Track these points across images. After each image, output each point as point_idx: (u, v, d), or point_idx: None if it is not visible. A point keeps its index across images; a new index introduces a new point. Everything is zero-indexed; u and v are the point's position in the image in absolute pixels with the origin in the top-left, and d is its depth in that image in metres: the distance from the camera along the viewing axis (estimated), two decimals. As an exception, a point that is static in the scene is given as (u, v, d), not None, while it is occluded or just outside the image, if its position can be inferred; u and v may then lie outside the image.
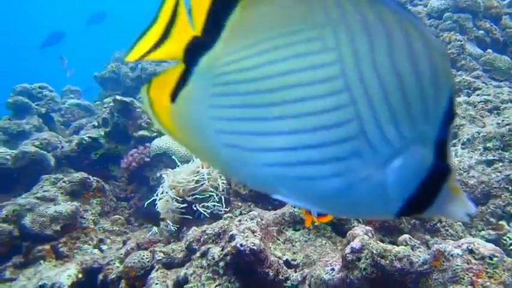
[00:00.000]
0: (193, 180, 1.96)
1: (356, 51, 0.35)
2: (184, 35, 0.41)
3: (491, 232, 1.76)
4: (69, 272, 1.94)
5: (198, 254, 1.54)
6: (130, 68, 5.08)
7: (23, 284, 1.95)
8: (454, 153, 2.10)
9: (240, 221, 1.54)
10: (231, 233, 1.45)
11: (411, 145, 0.36)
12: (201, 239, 1.61)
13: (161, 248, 1.79)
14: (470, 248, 1.17)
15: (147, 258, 1.77)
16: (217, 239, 1.58)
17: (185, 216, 1.96)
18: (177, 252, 1.71)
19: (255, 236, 1.45)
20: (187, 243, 1.67)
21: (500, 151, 1.99)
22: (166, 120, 0.42)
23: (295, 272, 1.49)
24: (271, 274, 1.41)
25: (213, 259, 1.45)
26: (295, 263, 1.53)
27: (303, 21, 0.36)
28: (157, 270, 1.66)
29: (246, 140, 0.39)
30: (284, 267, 1.48)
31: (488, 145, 2.03)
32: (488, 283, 1.08)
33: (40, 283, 1.88)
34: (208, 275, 1.44)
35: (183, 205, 1.95)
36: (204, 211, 1.90)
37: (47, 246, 2.13)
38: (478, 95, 2.58)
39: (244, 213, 1.81)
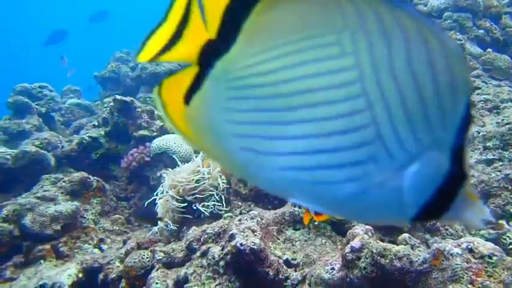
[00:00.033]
0: (193, 180, 1.96)
1: (374, 56, 0.35)
2: (199, 37, 0.41)
3: (491, 231, 1.76)
4: (70, 271, 1.95)
5: (198, 254, 1.54)
6: (131, 67, 5.08)
7: (24, 283, 1.95)
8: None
9: (240, 220, 1.54)
10: (231, 232, 1.45)
11: (428, 151, 0.35)
12: (201, 239, 1.61)
13: (161, 247, 1.79)
14: (469, 247, 1.17)
15: (147, 257, 1.77)
16: (217, 238, 1.58)
17: (185, 215, 1.96)
18: (177, 252, 1.71)
19: (255, 235, 1.45)
20: (187, 242, 1.67)
21: (500, 150, 1.99)
22: (181, 123, 0.42)
23: (295, 271, 1.49)
24: (271, 273, 1.42)
25: (213, 258, 1.45)
26: (295, 262, 1.54)
27: (321, 26, 0.36)
28: (157, 270, 1.66)
29: (261, 143, 0.39)
30: (284, 266, 1.48)
31: (488, 144, 2.03)
32: (487, 282, 1.09)
33: (40, 283, 1.89)
34: (208, 274, 1.44)
35: (183, 204, 1.95)
36: (205, 210, 1.90)
37: (48, 246, 2.13)
38: (478, 94, 2.58)
39: (245, 213, 1.82)
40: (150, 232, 2.05)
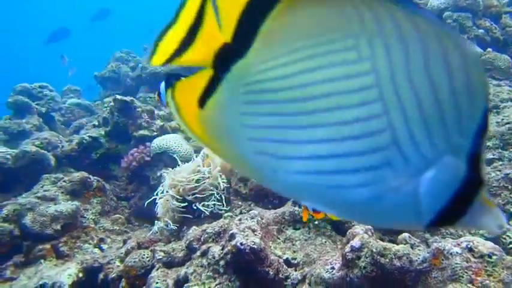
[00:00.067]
0: (193, 179, 1.96)
1: (391, 61, 0.35)
2: (213, 40, 0.40)
3: (491, 231, 1.76)
4: (70, 271, 1.95)
5: (198, 253, 1.54)
6: (131, 67, 5.08)
7: (24, 283, 1.95)
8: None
9: (240, 220, 1.54)
10: (231, 232, 1.46)
11: (444, 156, 0.35)
12: (202, 238, 1.61)
13: (161, 247, 1.79)
14: (469, 246, 1.18)
15: (147, 257, 1.77)
16: (217, 238, 1.58)
17: (185, 215, 1.96)
18: (178, 252, 1.71)
19: (255, 235, 1.45)
20: (187, 242, 1.67)
21: (499, 150, 2.00)
22: (195, 126, 0.42)
23: (296, 270, 1.49)
24: (272, 273, 1.42)
25: (214, 258, 1.45)
26: (296, 261, 1.54)
27: (338, 30, 0.36)
28: (157, 270, 1.66)
29: (277, 147, 0.39)
30: (284, 266, 1.48)
31: (487, 144, 2.03)
32: (487, 281, 1.09)
33: (41, 282, 1.89)
34: (208, 273, 1.45)
35: (184, 204, 1.96)
36: (205, 210, 1.91)
37: (48, 246, 2.14)
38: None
39: (245, 212, 1.82)
40: (151, 232, 2.05)
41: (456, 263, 1.15)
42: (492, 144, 2.02)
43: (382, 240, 1.33)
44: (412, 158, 0.35)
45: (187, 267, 1.54)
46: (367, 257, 1.24)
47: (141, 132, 2.95)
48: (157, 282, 1.57)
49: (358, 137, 0.36)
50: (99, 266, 1.97)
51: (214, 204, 1.93)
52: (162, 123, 3.11)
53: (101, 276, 1.92)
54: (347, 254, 1.27)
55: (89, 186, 2.51)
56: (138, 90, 4.65)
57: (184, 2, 0.41)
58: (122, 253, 1.94)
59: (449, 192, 0.36)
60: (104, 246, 2.26)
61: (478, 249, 1.16)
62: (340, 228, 1.64)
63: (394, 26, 0.35)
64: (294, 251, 1.58)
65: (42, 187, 2.43)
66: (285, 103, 0.38)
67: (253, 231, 1.47)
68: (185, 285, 1.46)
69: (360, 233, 1.31)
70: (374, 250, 1.24)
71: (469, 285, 1.10)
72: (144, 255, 1.78)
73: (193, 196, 1.95)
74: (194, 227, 1.73)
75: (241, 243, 1.40)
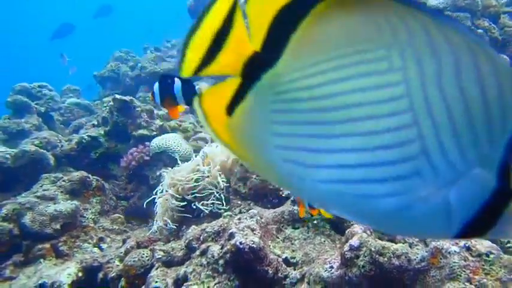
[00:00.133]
0: (192, 178, 1.97)
1: (422, 72, 0.35)
2: (242, 49, 0.41)
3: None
4: (69, 270, 1.95)
5: (197, 252, 1.55)
6: (130, 66, 5.08)
7: (23, 282, 1.96)
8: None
9: (239, 219, 1.55)
10: (230, 231, 1.46)
11: (474, 167, 0.35)
12: (201, 238, 1.62)
13: (161, 246, 1.79)
14: (467, 245, 1.18)
15: (147, 256, 1.78)
16: (216, 237, 1.58)
17: (185, 214, 1.96)
18: (177, 251, 1.72)
19: (255, 234, 1.46)
20: (186, 241, 1.68)
21: None
22: (223, 133, 0.42)
23: (295, 269, 1.49)
24: (271, 272, 1.42)
25: (213, 257, 1.46)
26: (295, 260, 1.54)
27: (370, 41, 0.36)
28: (157, 269, 1.67)
29: (305, 156, 0.39)
30: (283, 265, 1.49)
31: None
32: (484, 280, 1.09)
33: (40, 282, 1.89)
34: (207, 273, 1.45)
35: (183, 203, 1.96)
36: (205, 209, 1.91)
37: (47, 245, 2.14)
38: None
39: (244, 212, 1.82)
40: (150, 231, 2.05)
41: (454, 262, 1.15)
42: None
43: (381, 239, 1.34)
44: (442, 168, 0.35)
45: (186, 267, 1.55)
46: (365, 256, 1.24)
47: (141, 131, 2.95)
48: (156, 282, 1.58)
49: (388, 146, 0.36)
50: (98, 265, 1.98)
51: (213, 204, 1.93)
52: (161, 123, 3.11)
53: (100, 275, 1.92)
54: (346, 253, 1.28)
55: (89, 186, 2.52)
56: (137, 89, 4.65)
57: (210, 7, 0.41)
58: (121, 252, 1.95)
59: (478, 203, 0.35)
60: (104, 246, 2.27)
61: (475, 248, 1.17)
62: (339, 228, 1.65)
63: (426, 37, 0.35)
64: (293, 250, 1.59)
65: (41, 186, 2.43)
66: (315, 112, 0.38)
67: (253, 230, 1.47)
68: (184, 284, 1.47)
69: (359, 232, 1.31)
70: (373, 249, 1.24)
71: (466, 283, 1.11)
72: (143, 254, 1.78)
73: (193, 195, 1.96)
74: (193, 226, 1.73)
75: (240, 243, 1.40)
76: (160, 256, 1.71)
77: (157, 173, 2.55)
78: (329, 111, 0.37)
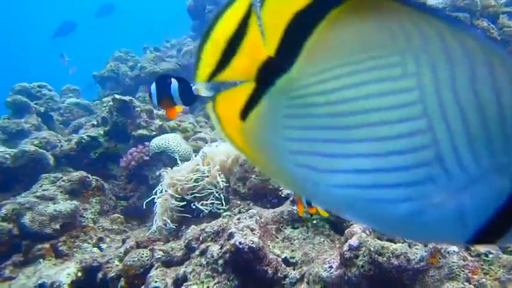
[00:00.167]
0: (191, 179, 1.97)
1: (437, 78, 0.35)
2: (257, 53, 0.41)
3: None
4: (69, 270, 1.95)
5: (197, 252, 1.55)
6: (130, 67, 5.08)
7: (23, 282, 1.96)
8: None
9: (239, 219, 1.55)
10: (230, 231, 1.46)
11: (488, 174, 0.35)
12: (200, 237, 1.62)
13: (160, 246, 1.79)
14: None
15: (146, 256, 1.78)
16: (216, 237, 1.59)
17: (184, 214, 1.96)
18: (176, 251, 1.72)
19: (254, 234, 1.46)
20: (186, 241, 1.68)
21: None
22: (236, 138, 0.42)
23: (294, 269, 1.50)
24: (270, 272, 1.42)
25: (212, 257, 1.46)
26: (294, 260, 1.54)
27: (383, 47, 0.36)
28: (156, 269, 1.67)
29: (319, 161, 0.39)
30: (283, 265, 1.49)
31: None
32: (483, 280, 1.10)
33: (40, 282, 1.89)
34: (207, 273, 1.45)
35: (182, 203, 1.96)
36: (205, 209, 1.91)
37: (47, 245, 2.14)
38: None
39: (243, 212, 1.82)
40: (150, 231, 2.05)
41: (453, 262, 1.16)
42: None
43: (380, 239, 1.34)
44: (456, 174, 0.35)
45: (186, 267, 1.55)
46: (365, 256, 1.25)
47: (140, 131, 2.95)
48: (156, 281, 1.58)
49: (402, 152, 0.36)
50: (98, 265, 1.98)
51: (212, 204, 1.93)
52: (161, 123, 3.11)
53: (99, 275, 1.92)
54: (345, 252, 1.28)
55: (88, 186, 2.52)
56: (137, 89, 4.65)
57: (224, 11, 0.41)
58: (121, 252, 1.95)
59: (491, 210, 0.35)
60: (103, 246, 2.27)
61: (474, 248, 1.17)
62: (338, 227, 1.65)
63: (441, 43, 0.35)
64: (293, 250, 1.59)
65: (41, 186, 2.43)
66: (329, 117, 0.38)
67: (252, 230, 1.48)
68: (184, 284, 1.47)
69: (358, 232, 1.31)
70: (372, 249, 1.24)
71: (465, 283, 1.11)
72: (143, 254, 1.78)
73: (192, 195, 1.96)
74: (193, 226, 1.73)
75: (239, 242, 1.40)
76: (159, 256, 1.71)
77: (157, 173, 2.55)
78: (344, 117, 0.37)
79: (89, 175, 2.54)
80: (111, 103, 3.03)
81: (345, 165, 0.38)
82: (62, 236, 2.20)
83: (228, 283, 1.41)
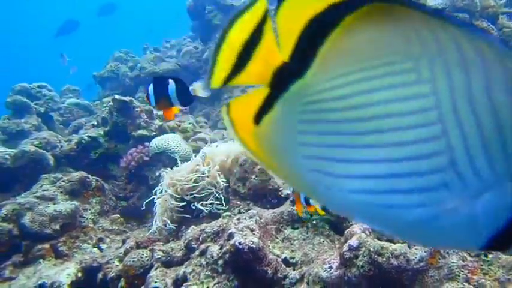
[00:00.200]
0: (191, 179, 1.97)
1: (452, 84, 0.35)
2: (272, 59, 0.41)
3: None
4: (69, 271, 1.95)
5: (197, 253, 1.55)
6: (129, 67, 5.09)
7: (23, 282, 1.96)
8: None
9: (238, 219, 1.55)
10: (229, 231, 1.46)
11: (503, 180, 0.35)
12: (200, 238, 1.62)
13: (160, 246, 1.80)
14: (466, 245, 1.18)
15: (146, 257, 1.78)
16: (216, 237, 1.59)
17: (184, 215, 1.97)
18: (176, 251, 1.72)
19: (254, 234, 1.46)
20: (186, 241, 1.68)
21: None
22: (250, 142, 0.42)
23: (294, 270, 1.50)
24: (270, 272, 1.42)
25: (212, 257, 1.46)
26: (294, 261, 1.55)
27: (398, 53, 0.37)
28: (156, 269, 1.67)
29: (332, 166, 0.39)
30: (282, 265, 1.49)
31: None
32: (483, 280, 1.10)
33: (39, 282, 1.90)
34: (207, 273, 1.45)
35: (182, 204, 1.96)
36: (204, 209, 1.91)
37: (47, 245, 2.14)
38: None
39: (243, 212, 1.83)
40: (150, 231, 2.05)
41: (453, 262, 1.16)
42: None
43: (380, 239, 1.34)
44: (470, 180, 0.35)
45: (186, 267, 1.55)
46: (364, 256, 1.25)
47: (140, 132, 2.95)
48: (156, 282, 1.58)
49: (416, 158, 0.36)
50: (98, 265, 1.98)
51: (212, 204, 1.93)
52: (160, 123, 3.11)
53: (99, 275, 1.92)
54: (345, 253, 1.28)
55: (88, 186, 2.52)
56: (137, 90, 4.65)
57: (240, 15, 0.41)
58: (120, 253, 1.95)
59: (506, 217, 0.35)
60: (103, 246, 2.27)
61: (474, 249, 1.17)
62: (338, 228, 1.65)
63: (456, 49, 0.35)
64: (292, 251, 1.59)
65: (41, 187, 2.44)
66: (343, 123, 0.38)
67: (252, 230, 1.48)
68: (184, 284, 1.47)
69: (358, 232, 1.32)
70: (371, 249, 1.25)
71: (465, 284, 1.11)
72: (143, 254, 1.79)
73: (192, 196, 1.96)
74: (193, 226, 1.73)
75: (239, 243, 1.40)
76: (159, 256, 1.71)
77: (157, 174, 2.55)
78: (358, 122, 0.38)
79: (89, 175, 2.54)
80: (111, 103, 3.03)
81: (359, 170, 0.38)
82: (61, 236, 2.20)
83: (228, 283, 1.41)
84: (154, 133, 2.97)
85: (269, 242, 1.60)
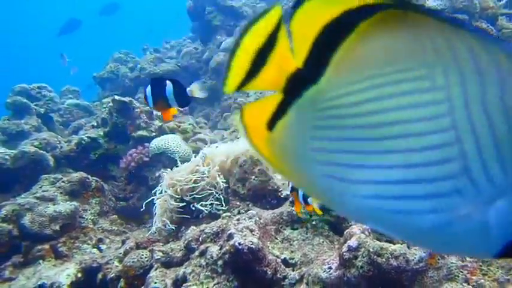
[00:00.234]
0: (191, 179, 1.97)
1: (466, 91, 0.35)
2: (286, 65, 0.41)
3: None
4: (68, 271, 1.96)
5: (196, 253, 1.55)
6: (129, 68, 5.09)
7: (23, 283, 1.96)
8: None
9: (238, 220, 1.55)
10: (229, 232, 1.46)
11: None
12: (200, 238, 1.62)
13: (160, 247, 1.80)
14: (465, 246, 1.18)
15: (146, 257, 1.78)
16: (215, 238, 1.59)
17: (184, 215, 1.97)
18: (176, 252, 1.72)
19: (253, 234, 1.46)
20: (186, 242, 1.68)
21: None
22: (263, 148, 0.42)
23: (293, 270, 1.50)
24: (269, 273, 1.43)
25: (212, 258, 1.46)
26: (293, 261, 1.55)
27: (413, 60, 0.37)
28: (156, 269, 1.67)
29: (346, 172, 0.39)
30: (282, 265, 1.49)
31: None
32: (482, 280, 1.10)
33: (39, 282, 1.90)
34: (206, 273, 1.45)
35: (182, 204, 1.96)
36: (205, 210, 1.91)
37: (46, 246, 2.14)
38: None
39: (243, 213, 1.83)
40: (149, 232, 2.06)
41: (452, 263, 1.16)
42: None
43: (379, 240, 1.34)
44: (483, 187, 0.35)
45: (185, 267, 1.55)
46: (364, 257, 1.25)
47: (140, 132, 2.96)
48: (155, 282, 1.58)
49: (429, 164, 0.36)
50: (97, 266, 1.98)
51: (212, 204, 1.94)
52: (160, 124, 3.12)
53: (99, 276, 1.93)
54: (344, 253, 1.28)
55: (88, 187, 2.52)
56: (136, 90, 4.66)
57: (255, 21, 0.41)
58: (120, 253, 1.95)
59: None
60: (103, 247, 2.27)
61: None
62: (337, 228, 1.65)
63: (471, 56, 0.35)
64: (292, 251, 1.59)
65: (41, 187, 2.44)
66: (356, 129, 0.38)
67: (251, 231, 1.48)
68: (184, 285, 1.47)
69: (357, 233, 1.32)
70: (371, 250, 1.25)
71: (464, 284, 1.12)
72: (142, 255, 1.79)
73: (192, 196, 1.96)
74: (192, 227, 1.73)
75: (239, 243, 1.40)
76: (159, 257, 1.72)
77: (157, 174, 2.55)
78: (370, 128, 0.38)
79: (89, 176, 2.55)
80: (111, 104, 3.03)
81: (372, 176, 0.38)
82: (61, 237, 2.21)
83: (228, 284, 1.41)
84: (154, 134, 2.97)
85: (269, 242, 1.60)
